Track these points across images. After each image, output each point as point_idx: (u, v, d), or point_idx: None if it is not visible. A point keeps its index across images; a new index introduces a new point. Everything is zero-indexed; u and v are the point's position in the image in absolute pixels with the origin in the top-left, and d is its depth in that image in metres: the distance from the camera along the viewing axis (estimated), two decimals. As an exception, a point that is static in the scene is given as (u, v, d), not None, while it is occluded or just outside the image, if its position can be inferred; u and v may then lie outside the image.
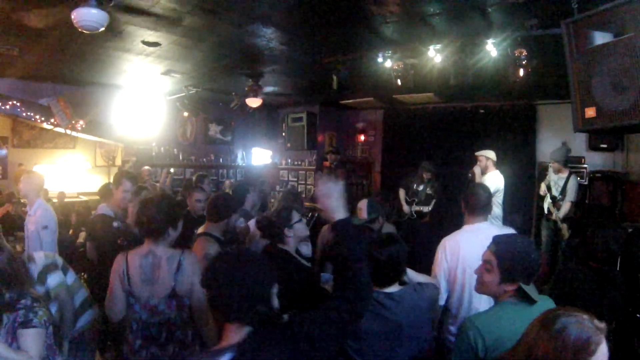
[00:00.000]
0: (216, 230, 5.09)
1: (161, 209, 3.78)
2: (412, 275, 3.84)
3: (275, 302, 2.44)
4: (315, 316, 2.41)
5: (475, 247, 4.42)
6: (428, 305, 3.57)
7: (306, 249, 5.15)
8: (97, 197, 10.96)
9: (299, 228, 4.40)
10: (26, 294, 3.30)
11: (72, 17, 5.36)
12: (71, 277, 4.89)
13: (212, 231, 5.06)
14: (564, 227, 8.46)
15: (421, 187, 9.78)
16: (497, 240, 3.13)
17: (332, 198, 2.75)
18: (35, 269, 4.37)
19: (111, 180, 7.29)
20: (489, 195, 4.79)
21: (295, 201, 6.19)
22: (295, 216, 4.44)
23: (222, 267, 2.37)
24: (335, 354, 2.68)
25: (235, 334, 2.30)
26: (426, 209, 9.52)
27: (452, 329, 4.47)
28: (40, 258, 4.55)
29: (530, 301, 2.94)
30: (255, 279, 2.35)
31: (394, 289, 3.48)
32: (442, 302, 4.49)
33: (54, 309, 4.17)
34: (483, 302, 4.29)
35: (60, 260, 4.85)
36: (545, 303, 2.99)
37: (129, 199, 5.86)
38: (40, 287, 4.22)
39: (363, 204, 5.93)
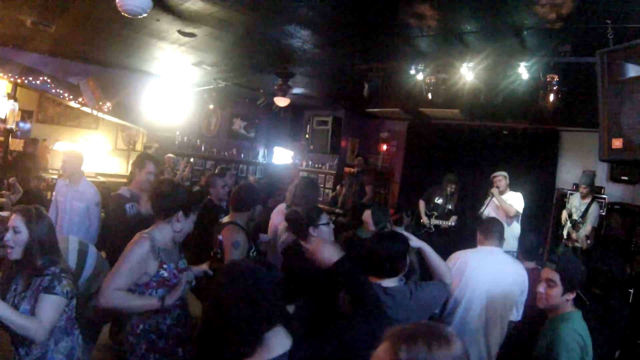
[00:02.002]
0: (241, 219, 5.11)
1: (174, 192, 3.79)
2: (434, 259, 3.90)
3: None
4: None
5: (484, 272, 4.57)
6: (422, 306, 3.60)
7: None
8: (115, 180, 11.13)
9: (324, 230, 4.41)
10: (57, 262, 3.38)
11: (117, 0, 5.44)
12: (91, 259, 5.00)
13: (238, 220, 5.07)
14: (584, 242, 8.47)
15: (442, 201, 9.77)
16: (552, 259, 3.55)
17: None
18: None
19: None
20: (502, 229, 4.97)
21: (314, 192, 6.20)
22: (324, 218, 4.46)
23: (247, 282, 2.25)
24: None
25: (278, 343, 2.26)
26: (445, 223, 9.49)
27: None
28: (71, 239, 4.68)
29: (583, 305, 3.46)
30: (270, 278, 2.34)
31: (391, 283, 3.56)
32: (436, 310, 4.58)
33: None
34: (475, 318, 4.43)
35: (85, 244, 4.94)
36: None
37: (152, 181, 5.90)
38: None
39: (367, 217, 5.95)
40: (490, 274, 4.56)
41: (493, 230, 4.82)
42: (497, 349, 4.57)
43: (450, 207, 9.66)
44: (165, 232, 3.75)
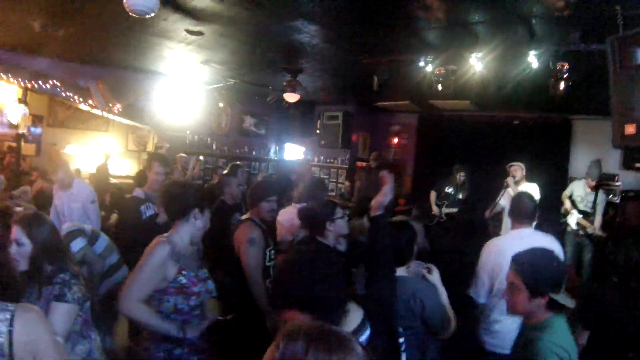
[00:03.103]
0: (256, 217, 5.09)
1: (184, 191, 3.74)
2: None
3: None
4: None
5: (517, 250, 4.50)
6: (409, 298, 3.59)
7: (342, 247, 5.16)
8: (127, 181, 11.18)
9: (340, 224, 4.41)
10: (66, 268, 3.36)
11: (124, 0, 5.44)
12: (103, 242, 5.09)
13: (254, 217, 5.07)
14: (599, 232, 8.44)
15: (452, 190, 9.75)
16: (515, 259, 3.12)
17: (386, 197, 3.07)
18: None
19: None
20: (535, 204, 4.86)
21: (323, 191, 6.18)
22: (339, 212, 4.45)
23: (319, 262, 2.35)
24: None
25: (352, 318, 2.37)
26: (455, 212, 9.49)
27: (486, 328, 4.61)
28: (66, 227, 4.77)
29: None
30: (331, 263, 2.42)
31: (398, 272, 3.58)
32: (483, 300, 4.63)
33: (84, 271, 4.30)
34: None
35: (89, 229, 5.03)
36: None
37: (161, 181, 5.92)
38: None
39: None
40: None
41: (522, 213, 4.71)
42: None
43: (460, 196, 9.67)
44: (184, 234, 3.69)
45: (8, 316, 2.23)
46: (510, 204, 4.86)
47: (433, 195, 10.02)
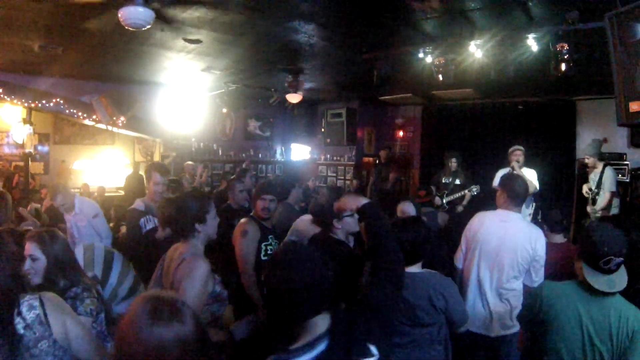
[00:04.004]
0: (256, 213, 5.24)
1: (178, 210, 3.68)
2: None
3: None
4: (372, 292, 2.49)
5: (496, 230, 4.56)
6: (431, 294, 3.56)
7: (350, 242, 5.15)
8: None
9: (349, 222, 4.38)
10: (79, 281, 3.39)
11: (119, 15, 5.49)
12: (117, 267, 5.05)
13: (253, 214, 5.23)
14: (603, 211, 8.37)
15: (449, 179, 9.73)
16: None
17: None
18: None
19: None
20: (527, 191, 4.89)
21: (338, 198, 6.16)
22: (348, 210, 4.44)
23: (295, 262, 2.30)
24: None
25: (320, 324, 2.25)
26: (457, 196, 9.45)
27: None
28: (78, 250, 4.75)
29: (592, 289, 3.04)
30: (323, 265, 2.36)
31: (414, 269, 3.61)
32: (459, 264, 4.82)
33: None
34: (486, 279, 4.56)
35: (100, 258, 4.99)
36: (617, 300, 3.08)
37: (161, 191, 5.85)
38: None
39: (409, 208, 5.96)
40: (500, 232, 4.52)
41: (513, 196, 4.69)
42: (513, 310, 4.51)
43: (458, 182, 9.63)
44: (200, 246, 3.68)
45: (36, 296, 2.60)
46: (503, 183, 4.85)
47: (432, 189, 10.02)
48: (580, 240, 3.23)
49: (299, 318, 2.24)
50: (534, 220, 8.17)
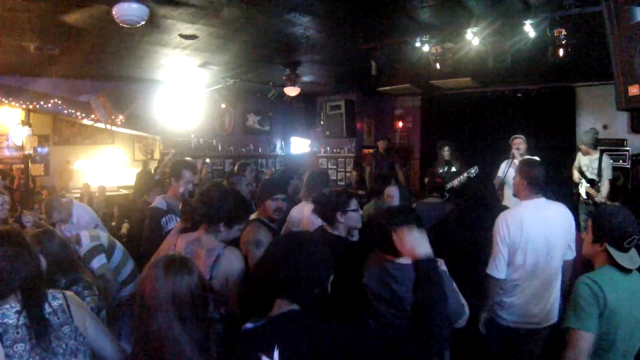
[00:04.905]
0: (264, 216, 4.94)
1: (222, 200, 3.70)
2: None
3: (328, 290, 2.49)
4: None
5: (538, 225, 4.47)
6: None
7: (355, 237, 5.08)
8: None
9: (353, 217, 4.30)
10: (80, 279, 3.40)
11: (113, 12, 5.47)
12: (118, 254, 5.11)
13: (262, 216, 4.93)
14: (607, 200, 8.35)
15: (445, 169, 9.71)
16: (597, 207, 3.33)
17: (413, 233, 2.66)
18: (81, 251, 4.74)
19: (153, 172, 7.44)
20: (545, 175, 4.78)
21: (323, 183, 6.11)
22: (353, 204, 4.36)
23: (287, 245, 2.45)
24: None
25: (280, 309, 2.40)
26: (456, 182, 9.41)
27: (505, 300, 4.55)
28: (86, 239, 4.87)
29: (623, 269, 3.07)
30: (318, 261, 2.42)
31: (405, 260, 3.44)
32: (503, 275, 4.52)
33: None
34: (543, 270, 4.45)
35: (105, 240, 5.06)
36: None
37: (191, 190, 5.71)
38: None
39: (394, 192, 5.94)
40: (544, 226, 4.44)
41: (536, 181, 4.59)
42: (559, 294, 4.59)
43: (454, 169, 9.60)
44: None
45: (58, 291, 2.79)
46: (522, 171, 4.75)
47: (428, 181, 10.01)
48: (600, 225, 3.16)
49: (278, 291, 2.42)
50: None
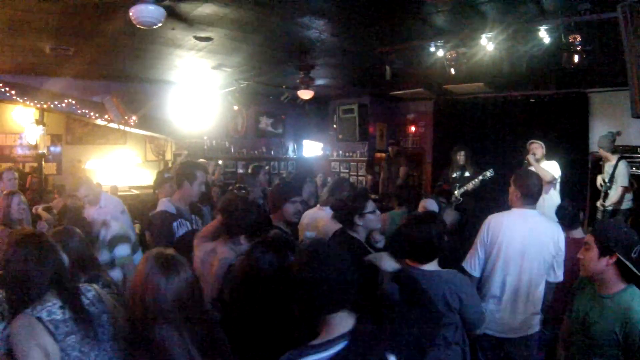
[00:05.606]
0: (279, 221, 4.83)
1: (246, 212, 3.75)
2: None
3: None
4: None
5: (518, 231, 4.48)
6: (445, 293, 3.50)
7: (380, 243, 5.05)
8: (149, 191, 11.25)
9: (370, 219, 4.32)
10: (99, 277, 3.46)
11: (130, 14, 5.49)
12: (138, 257, 5.14)
13: (277, 223, 4.79)
14: (615, 204, 8.29)
15: (459, 173, 9.71)
16: (593, 224, 3.26)
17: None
18: (107, 234, 4.79)
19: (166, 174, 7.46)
20: (541, 186, 4.80)
21: (344, 190, 6.07)
22: (370, 206, 4.37)
23: (326, 254, 2.33)
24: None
25: (343, 324, 2.26)
26: (471, 185, 9.39)
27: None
28: (115, 226, 4.92)
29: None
30: (350, 264, 2.36)
31: (430, 267, 3.55)
32: (477, 273, 4.58)
33: (119, 274, 4.62)
34: (514, 280, 4.45)
35: (133, 237, 5.09)
36: None
37: (204, 191, 5.65)
38: (107, 253, 4.65)
39: (433, 205, 5.96)
40: (523, 234, 4.45)
41: (529, 192, 4.61)
42: (539, 309, 4.52)
43: (467, 174, 9.60)
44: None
45: (86, 284, 3.01)
46: (515, 181, 4.76)
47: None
48: (607, 237, 3.11)
49: (321, 311, 2.27)
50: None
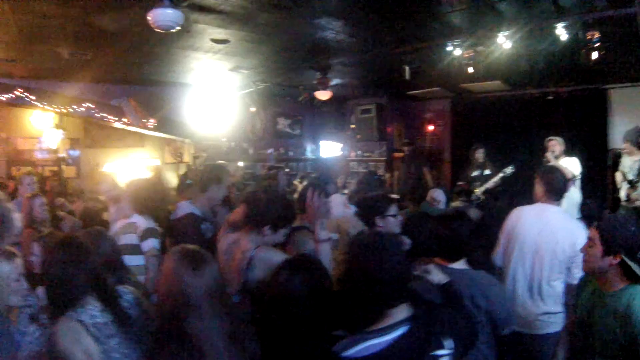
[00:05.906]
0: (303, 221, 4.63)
1: (270, 203, 3.71)
2: None
3: None
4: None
5: (535, 225, 4.44)
6: (473, 293, 3.43)
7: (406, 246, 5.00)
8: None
9: (391, 222, 4.29)
10: (127, 278, 3.52)
11: (149, 18, 5.51)
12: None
13: (305, 223, 4.53)
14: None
15: (479, 172, 9.67)
16: (601, 217, 3.13)
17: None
18: (137, 232, 4.86)
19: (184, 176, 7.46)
20: (566, 182, 4.77)
21: (371, 187, 6.09)
22: (393, 209, 4.36)
23: (376, 250, 2.35)
24: None
25: (401, 312, 2.33)
26: (492, 183, 9.33)
27: None
28: (143, 223, 4.92)
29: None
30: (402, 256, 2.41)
31: (459, 265, 3.52)
32: (499, 262, 4.70)
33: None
34: (526, 275, 4.47)
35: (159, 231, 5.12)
36: None
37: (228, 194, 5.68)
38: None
39: (441, 196, 5.94)
40: (539, 228, 4.44)
41: (551, 188, 4.61)
42: (555, 309, 4.46)
43: (487, 172, 9.56)
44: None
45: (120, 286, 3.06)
46: (540, 176, 4.74)
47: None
48: (613, 235, 2.95)
49: (381, 306, 2.32)
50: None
